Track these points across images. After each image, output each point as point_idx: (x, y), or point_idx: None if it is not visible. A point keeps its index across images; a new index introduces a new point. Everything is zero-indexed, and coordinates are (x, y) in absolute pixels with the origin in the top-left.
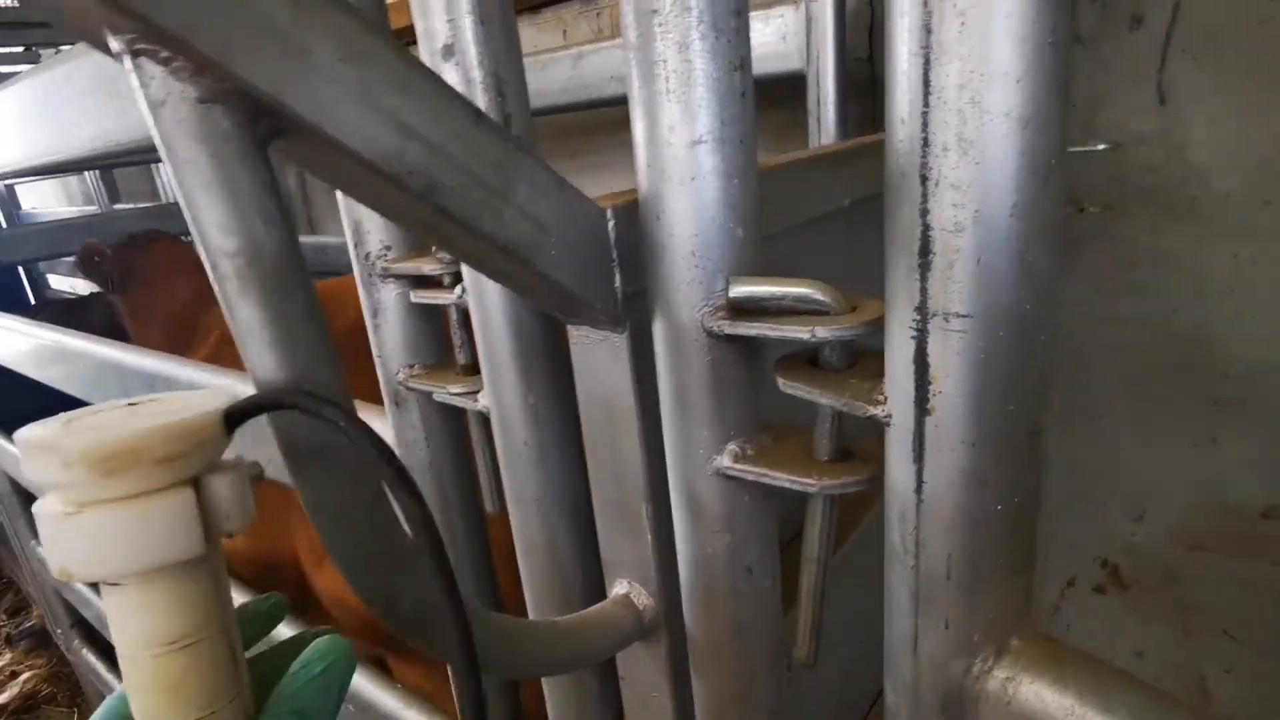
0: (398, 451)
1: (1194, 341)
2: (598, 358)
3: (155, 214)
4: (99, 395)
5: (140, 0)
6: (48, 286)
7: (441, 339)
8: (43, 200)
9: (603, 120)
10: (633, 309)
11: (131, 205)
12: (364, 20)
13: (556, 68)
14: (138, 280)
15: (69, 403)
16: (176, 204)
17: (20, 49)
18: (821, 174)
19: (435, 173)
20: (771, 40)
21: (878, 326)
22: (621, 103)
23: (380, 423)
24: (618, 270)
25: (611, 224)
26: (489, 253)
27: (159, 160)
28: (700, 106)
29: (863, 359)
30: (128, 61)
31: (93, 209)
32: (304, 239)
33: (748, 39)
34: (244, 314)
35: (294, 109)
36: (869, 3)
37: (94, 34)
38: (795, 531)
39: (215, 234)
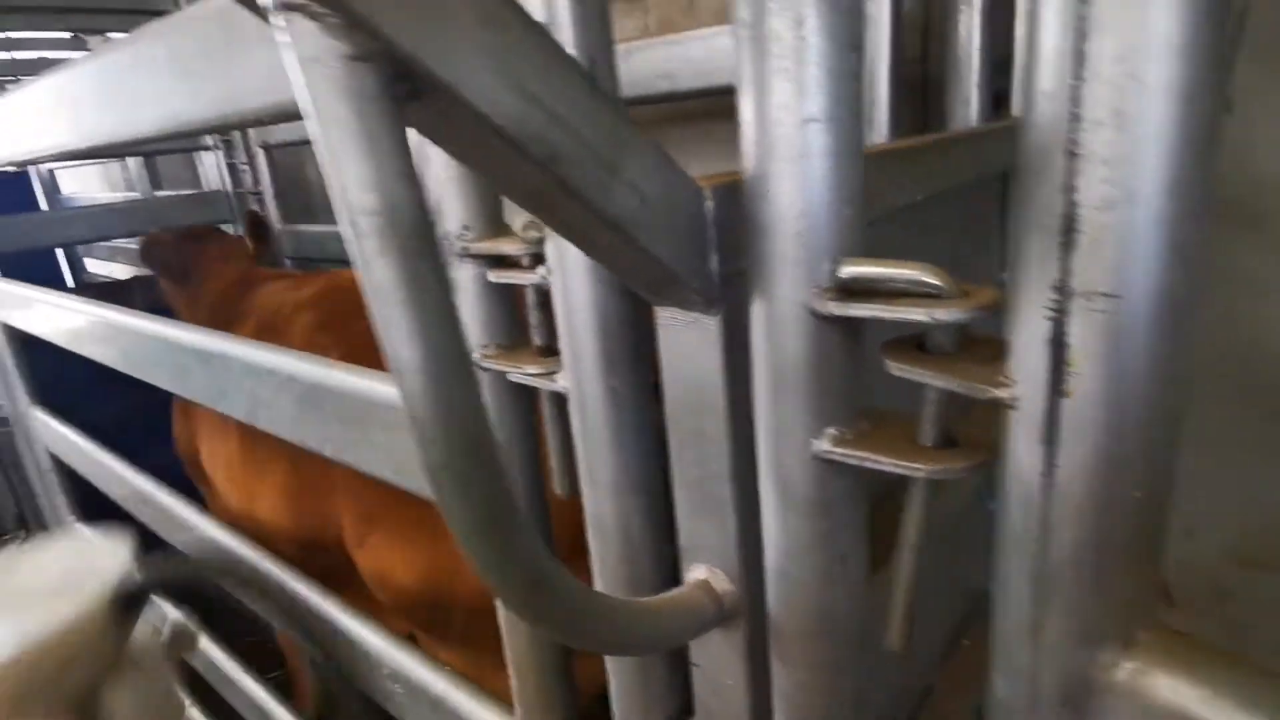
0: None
1: (1254, 355)
2: (687, 340)
3: (197, 201)
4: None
5: None
6: (84, 270)
7: (516, 320)
8: (84, 186)
9: (655, 117)
10: (727, 290)
11: (173, 192)
12: None
13: None
14: (194, 272)
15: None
16: (218, 192)
17: (67, 34)
18: (904, 167)
19: (555, 141)
20: None
21: (994, 311)
22: (668, 100)
23: None
24: (714, 251)
25: (710, 204)
26: (594, 226)
27: (197, 148)
28: (813, 85)
29: (972, 343)
30: (279, 18)
31: (134, 195)
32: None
33: (862, 19)
34: (379, 272)
35: (435, 71)
36: (923, 5)
37: None
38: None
39: (357, 191)
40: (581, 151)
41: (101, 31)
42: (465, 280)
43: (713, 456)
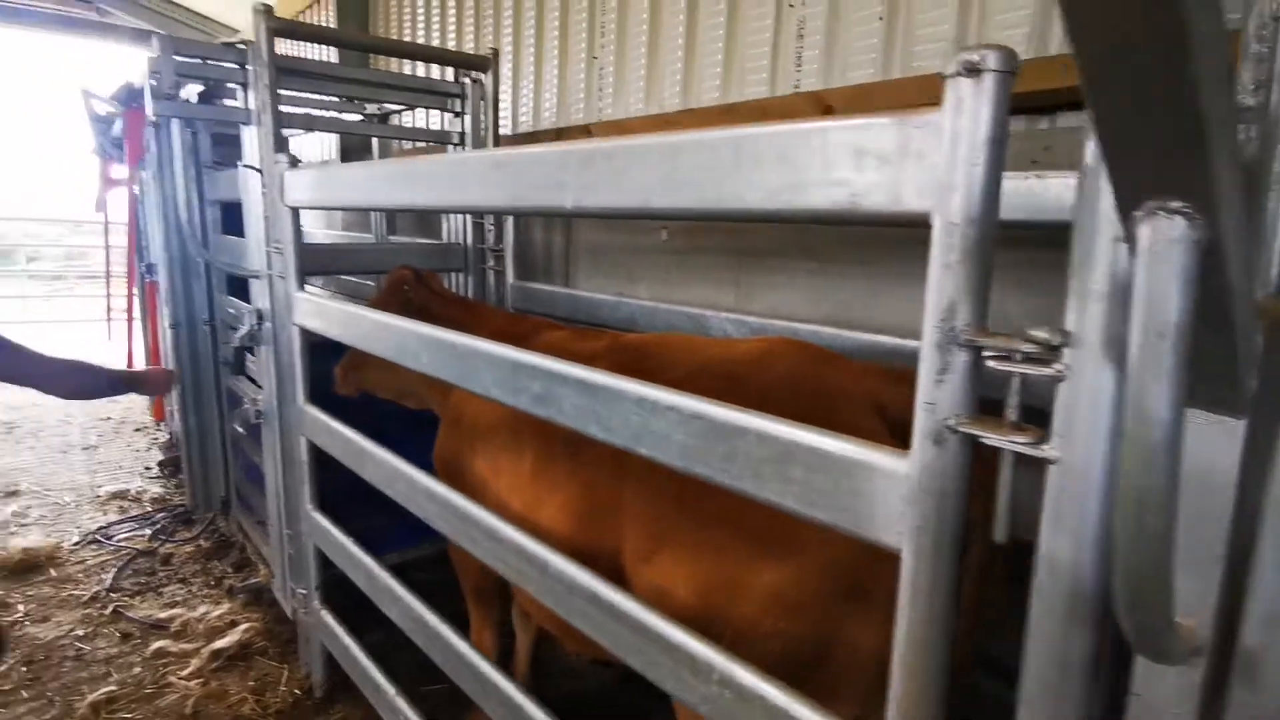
0: (915, 475)
1: None
2: (1204, 434)
3: (439, 249)
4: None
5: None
6: None
7: (979, 400)
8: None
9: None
10: (1257, 402)
11: (407, 239)
12: None
13: None
14: (425, 310)
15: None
16: (457, 244)
17: (337, 98)
18: None
19: (1237, 278)
20: None
21: None
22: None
23: (892, 457)
24: (1255, 371)
25: (1259, 336)
26: (1222, 350)
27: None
28: None
29: None
30: (1149, 220)
31: (368, 237)
32: (574, 291)
33: None
34: (1162, 359)
35: (1227, 251)
36: None
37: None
38: None
39: (1175, 315)
40: (1243, 287)
41: (378, 101)
42: (958, 362)
43: (1210, 523)
